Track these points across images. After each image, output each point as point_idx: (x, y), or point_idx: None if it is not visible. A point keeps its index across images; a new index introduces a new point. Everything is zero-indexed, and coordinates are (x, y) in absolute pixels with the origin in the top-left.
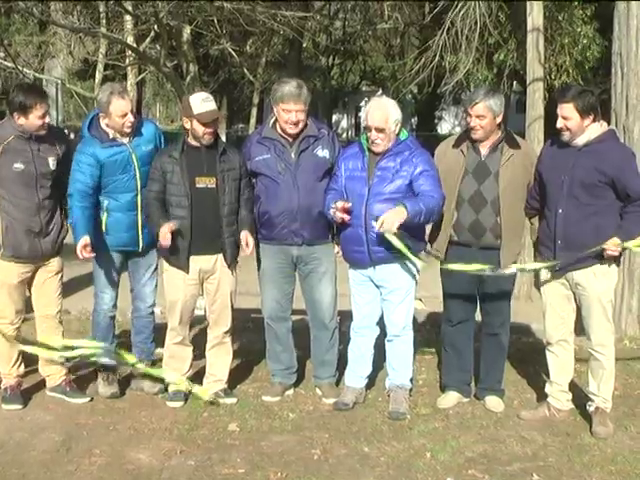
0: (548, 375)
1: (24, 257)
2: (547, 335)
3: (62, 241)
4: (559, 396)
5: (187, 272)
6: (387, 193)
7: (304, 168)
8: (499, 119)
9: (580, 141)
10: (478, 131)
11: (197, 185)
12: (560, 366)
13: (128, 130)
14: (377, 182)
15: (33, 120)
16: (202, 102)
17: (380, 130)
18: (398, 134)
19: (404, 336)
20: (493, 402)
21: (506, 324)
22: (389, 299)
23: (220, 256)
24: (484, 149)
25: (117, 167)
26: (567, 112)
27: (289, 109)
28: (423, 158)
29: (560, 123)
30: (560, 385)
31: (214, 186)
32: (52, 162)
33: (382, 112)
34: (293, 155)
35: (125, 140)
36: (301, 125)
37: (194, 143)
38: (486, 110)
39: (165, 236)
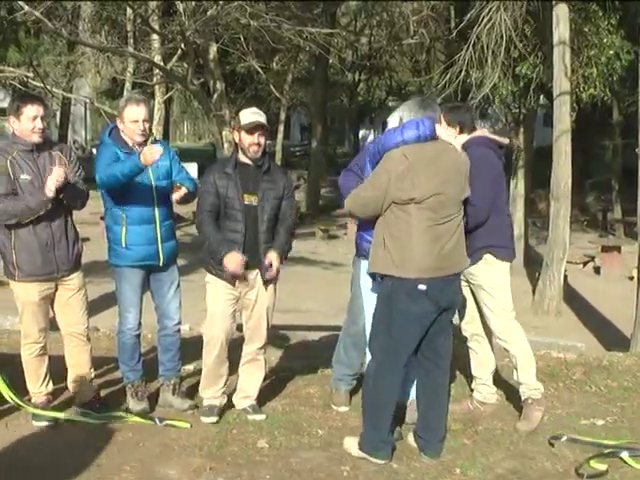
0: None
1: (40, 273)
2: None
3: (79, 255)
4: (481, 389)
5: (234, 285)
6: None
7: None
8: None
9: None
10: None
11: (245, 202)
12: (478, 361)
13: (139, 138)
14: None
15: (25, 122)
16: (250, 114)
17: None
18: None
19: None
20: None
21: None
22: None
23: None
24: None
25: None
26: None
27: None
28: None
29: None
30: (480, 379)
31: (256, 204)
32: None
33: None
34: None
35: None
36: None
37: (243, 160)
38: None
39: (238, 267)
